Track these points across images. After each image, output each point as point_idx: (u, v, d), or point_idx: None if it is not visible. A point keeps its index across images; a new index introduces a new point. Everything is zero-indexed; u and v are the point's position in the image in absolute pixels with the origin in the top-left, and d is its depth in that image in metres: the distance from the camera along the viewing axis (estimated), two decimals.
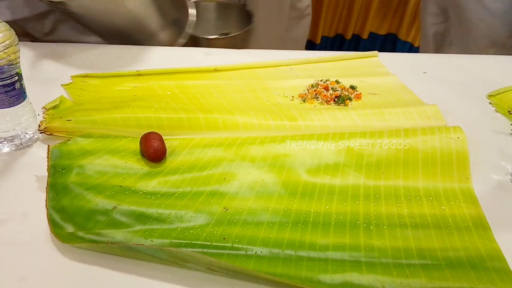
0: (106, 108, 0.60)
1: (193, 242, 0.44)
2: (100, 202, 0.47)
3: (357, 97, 0.70)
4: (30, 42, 0.79)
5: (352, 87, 0.71)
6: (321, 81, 0.72)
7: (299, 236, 0.46)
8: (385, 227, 0.47)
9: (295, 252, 0.44)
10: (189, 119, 0.59)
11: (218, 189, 0.51)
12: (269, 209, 0.49)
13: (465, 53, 0.93)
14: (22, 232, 0.45)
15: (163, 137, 0.55)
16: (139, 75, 0.72)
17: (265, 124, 0.61)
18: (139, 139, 0.55)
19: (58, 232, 0.44)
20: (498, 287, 0.42)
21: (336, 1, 1.67)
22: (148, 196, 0.49)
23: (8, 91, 0.51)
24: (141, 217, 0.46)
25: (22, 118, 0.54)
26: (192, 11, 0.91)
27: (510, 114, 0.67)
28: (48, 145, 0.53)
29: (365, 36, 1.77)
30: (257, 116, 0.62)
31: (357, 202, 0.50)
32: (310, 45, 1.76)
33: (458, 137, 0.58)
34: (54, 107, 0.61)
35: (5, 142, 0.55)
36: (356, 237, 0.46)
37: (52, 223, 0.45)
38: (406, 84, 0.74)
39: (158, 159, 0.54)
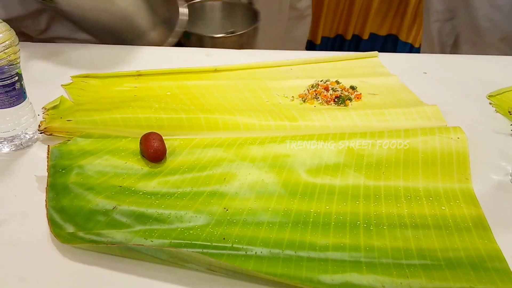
0: (106, 109, 0.60)
1: (193, 242, 0.44)
2: (100, 202, 0.47)
3: (357, 98, 0.70)
4: (30, 43, 0.80)
5: (352, 88, 0.71)
6: (321, 81, 0.72)
7: (299, 236, 0.46)
8: (385, 227, 0.47)
9: (295, 253, 0.44)
10: (189, 119, 0.60)
11: (218, 190, 0.51)
12: (269, 209, 0.49)
13: (474, 49, 0.93)
14: (22, 232, 0.45)
15: (163, 137, 0.55)
16: (139, 75, 0.72)
17: (265, 125, 0.61)
18: (139, 139, 0.55)
19: (58, 232, 0.44)
20: None
21: (337, 1, 1.67)
22: (148, 197, 0.49)
23: (8, 91, 0.51)
24: (141, 218, 0.46)
25: (22, 118, 0.54)
26: (183, 10, 0.90)
27: (510, 114, 0.67)
28: (48, 145, 0.53)
29: (365, 36, 1.77)
30: (258, 116, 0.62)
31: (357, 202, 0.50)
32: (310, 46, 1.76)
33: (458, 138, 0.58)
34: (54, 107, 0.61)
35: (5, 142, 0.55)
36: (356, 237, 0.46)
37: (52, 223, 0.45)
38: (406, 85, 0.74)
39: (158, 159, 0.54)
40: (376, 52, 0.83)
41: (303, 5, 1.44)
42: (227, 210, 0.48)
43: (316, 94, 0.69)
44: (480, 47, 1.06)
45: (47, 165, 0.51)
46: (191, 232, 0.45)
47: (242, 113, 0.62)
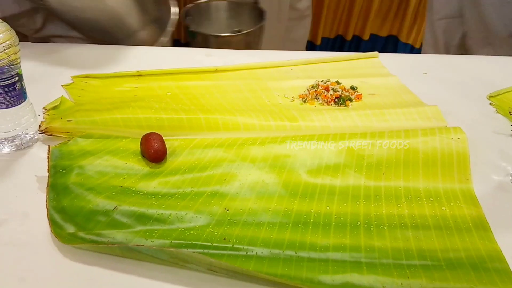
0: (107, 109, 0.60)
1: (193, 242, 0.44)
2: (101, 202, 0.47)
3: (358, 98, 0.70)
4: (31, 43, 0.79)
5: (353, 88, 0.71)
6: (321, 81, 0.72)
7: (299, 236, 0.46)
8: (385, 227, 0.47)
9: (296, 253, 0.44)
10: (189, 119, 0.59)
11: (218, 190, 0.51)
12: (270, 209, 0.49)
13: (482, 46, 0.92)
14: (22, 232, 0.45)
15: (164, 138, 0.55)
16: (139, 75, 0.72)
17: (265, 125, 0.61)
18: (140, 139, 0.55)
19: (58, 233, 0.44)
20: None
21: (337, 2, 1.67)
22: (149, 197, 0.49)
23: (9, 91, 0.51)
24: (142, 218, 0.46)
25: (22, 119, 0.54)
26: (174, 10, 0.90)
27: (510, 114, 0.67)
28: (49, 146, 0.53)
29: (365, 37, 1.77)
30: (258, 117, 0.62)
31: (358, 202, 0.50)
32: (311, 46, 1.76)
33: (458, 138, 0.58)
34: (54, 108, 0.61)
35: (6, 143, 0.55)
36: (357, 237, 0.46)
37: (53, 223, 0.45)
38: (407, 85, 0.74)
39: (159, 159, 0.54)
40: (377, 52, 0.83)
41: (303, 5, 1.44)
42: (227, 210, 0.48)
43: (317, 95, 0.69)
44: (489, 43, 1.06)
45: (48, 165, 0.51)
46: (191, 232, 0.45)
47: (242, 113, 0.62)
